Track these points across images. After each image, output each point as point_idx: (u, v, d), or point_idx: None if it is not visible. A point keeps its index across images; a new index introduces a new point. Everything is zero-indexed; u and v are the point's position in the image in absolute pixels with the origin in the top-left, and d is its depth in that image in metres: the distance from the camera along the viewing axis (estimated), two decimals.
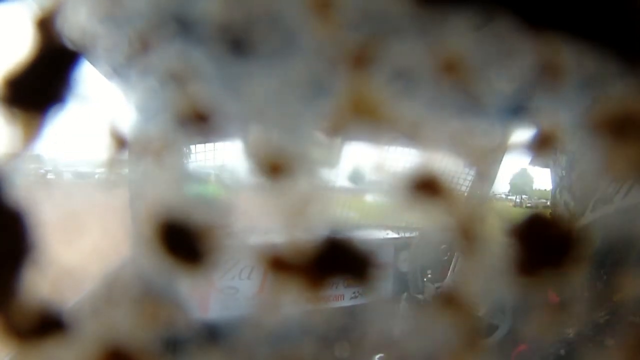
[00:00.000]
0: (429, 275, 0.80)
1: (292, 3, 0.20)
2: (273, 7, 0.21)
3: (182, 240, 0.19)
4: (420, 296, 0.79)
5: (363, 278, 0.20)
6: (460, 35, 0.21)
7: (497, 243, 0.20)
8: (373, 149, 0.22)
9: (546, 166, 0.45)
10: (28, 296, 0.18)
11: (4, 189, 0.18)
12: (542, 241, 0.19)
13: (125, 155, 0.23)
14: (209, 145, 0.67)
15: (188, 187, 0.23)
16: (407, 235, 0.90)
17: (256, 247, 0.19)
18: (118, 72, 0.35)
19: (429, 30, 0.20)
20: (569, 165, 0.41)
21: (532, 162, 0.23)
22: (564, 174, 0.42)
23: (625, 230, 0.31)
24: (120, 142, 0.22)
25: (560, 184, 0.43)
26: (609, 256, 0.33)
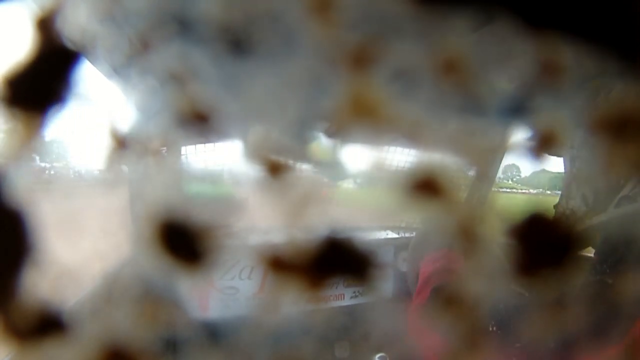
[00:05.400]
0: None
1: (292, 3, 0.20)
2: (273, 7, 0.21)
3: (182, 240, 0.19)
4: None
5: (363, 278, 0.20)
6: (460, 36, 0.21)
7: (498, 243, 0.20)
8: (373, 149, 0.22)
9: (559, 155, 0.44)
10: (28, 296, 0.18)
11: (4, 189, 0.18)
12: (544, 241, 0.19)
13: (125, 155, 0.23)
14: (209, 145, 0.67)
15: (188, 186, 0.23)
16: (407, 235, 0.90)
17: (256, 247, 0.19)
18: (118, 72, 0.35)
19: (428, 30, 0.20)
20: (589, 158, 0.40)
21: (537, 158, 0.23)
22: (581, 166, 0.42)
23: None
24: (120, 142, 0.22)
25: (577, 175, 0.43)
26: (623, 253, 0.33)
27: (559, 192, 0.46)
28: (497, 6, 0.22)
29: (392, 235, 0.91)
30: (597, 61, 0.21)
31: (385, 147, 0.21)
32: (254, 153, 0.21)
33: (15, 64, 0.18)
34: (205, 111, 0.21)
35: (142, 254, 0.19)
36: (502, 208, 0.21)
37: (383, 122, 0.20)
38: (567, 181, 0.45)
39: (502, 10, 0.22)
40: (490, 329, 0.22)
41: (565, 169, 0.45)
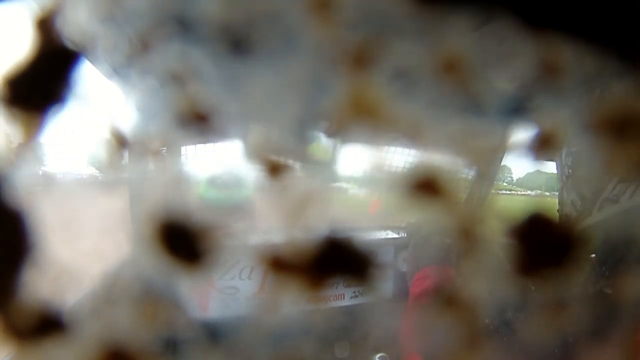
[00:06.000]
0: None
1: (292, 3, 0.20)
2: (273, 7, 0.21)
3: (182, 241, 0.19)
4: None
5: (363, 278, 0.20)
6: (460, 35, 0.21)
7: (498, 243, 0.20)
8: (373, 149, 0.22)
9: (552, 160, 0.44)
10: (28, 296, 0.18)
11: (4, 189, 0.18)
12: (543, 241, 0.19)
13: (126, 155, 0.23)
14: (209, 145, 0.67)
15: (197, 190, 0.23)
16: (407, 235, 0.89)
17: (256, 247, 0.19)
18: (118, 72, 0.35)
19: (429, 30, 0.20)
20: (575, 164, 0.40)
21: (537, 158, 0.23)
22: (570, 173, 0.42)
23: (629, 230, 0.31)
24: (120, 142, 0.22)
25: (566, 182, 0.43)
26: (612, 255, 0.33)
27: (556, 193, 0.46)
28: (497, 6, 0.22)
29: (392, 235, 0.91)
30: (597, 61, 0.21)
31: (385, 147, 0.21)
32: (254, 153, 0.21)
33: (15, 64, 0.18)
34: (205, 111, 0.21)
35: (142, 254, 0.19)
36: (502, 208, 0.21)
37: (383, 122, 0.20)
38: (560, 188, 0.45)
39: (502, 10, 0.22)
40: (489, 330, 0.22)
41: (557, 174, 0.46)
